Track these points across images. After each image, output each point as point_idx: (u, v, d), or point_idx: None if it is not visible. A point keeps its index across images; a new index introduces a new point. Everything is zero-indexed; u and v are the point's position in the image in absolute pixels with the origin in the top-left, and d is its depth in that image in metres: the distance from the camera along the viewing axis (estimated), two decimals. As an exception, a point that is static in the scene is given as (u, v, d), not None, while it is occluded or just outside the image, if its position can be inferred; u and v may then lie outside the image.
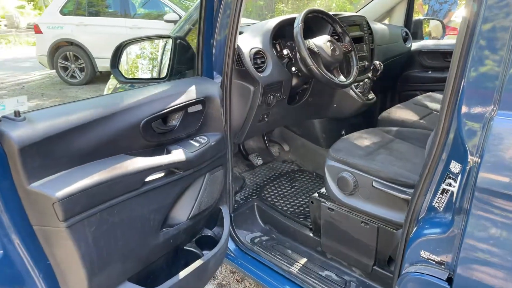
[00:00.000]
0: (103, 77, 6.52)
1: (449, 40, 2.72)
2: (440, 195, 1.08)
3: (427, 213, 1.12)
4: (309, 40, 1.70)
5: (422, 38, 2.85)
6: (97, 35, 6.03)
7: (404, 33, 2.67)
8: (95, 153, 1.00)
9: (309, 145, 2.34)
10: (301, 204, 1.99)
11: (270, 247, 1.78)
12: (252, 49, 1.64)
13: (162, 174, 1.19)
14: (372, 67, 2.00)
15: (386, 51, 2.44)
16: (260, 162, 2.20)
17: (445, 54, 2.61)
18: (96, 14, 6.31)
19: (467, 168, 0.93)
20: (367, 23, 2.24)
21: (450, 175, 1.04)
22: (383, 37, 2.40)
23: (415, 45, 2.71)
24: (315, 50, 1.66)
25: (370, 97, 2.07)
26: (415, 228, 1.14)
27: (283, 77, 1.74)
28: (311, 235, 1.76)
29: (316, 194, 1.69)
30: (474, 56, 0.92)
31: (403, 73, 2.78)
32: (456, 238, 0.98)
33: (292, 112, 1.97)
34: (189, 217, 1.37)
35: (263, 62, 1.67)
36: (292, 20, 1.81)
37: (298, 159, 2.39)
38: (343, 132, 2.37)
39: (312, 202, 1.70)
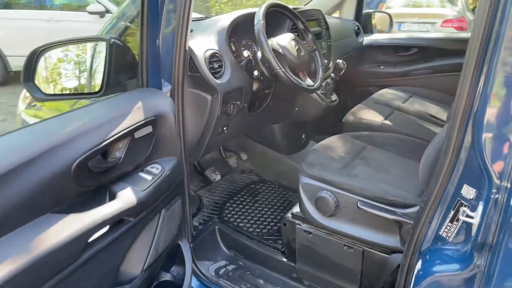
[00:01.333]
0: (17, 77, 5.69)
1: (400, 34, 2.67)
2: (449, 223, 0.93)
3: (432, 243, 0.97)
4: (272, 39, 1.48)
5: (372, 32, 2.77)
6: (9, 30, 5.21)
7: (356, 27, 2.56)
8: (4, 223, 0.68)
9: (269, 152, 2.13)
10: (267, 222, 1.78)
11: (238, 278, 1.55)
12: (206, 51, 1.37)
13: (107, 228, 0.89)
14: (334, 66, 1.84)
15: (342, 47, 2.31)
16: (218, 177, 1.94)
17: (397, 48, 2.56)
18: (6, 6, 5.46)
19: (492, 196, 0.79)
20: (324, 17, 2.07)
21: (463, 201, 0.89)
22: (337, 32, 2.25)
23: (366, 40, 2.62)
24: (280, 51, 1.44)
25: (333, 99, 1.92)
26: (420, 262, 0.98)
27: (243, 83, 1.49)
28: (285, 260, 1.56)
29: (289, 215, 1.49)
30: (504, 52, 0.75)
31: (356, 68, 2.68)
32: (477, 279, 0.84)
33: (252, 120, 1.74)
34: (144, 268, 1.09)
35: (220, 67, 1.41)
36: (250, 16, 1.57)
37: (258, 168, 2.18)
38: (303, 136, 2.20)
39: (284, 224, 1.50)
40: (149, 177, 1.06)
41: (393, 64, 2.59)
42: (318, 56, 1.63)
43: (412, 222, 1.15)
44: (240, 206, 1.87)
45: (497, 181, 0.76)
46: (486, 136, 0.78)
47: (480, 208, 0.82)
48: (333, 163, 1.42)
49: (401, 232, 1.20)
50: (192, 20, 1.65)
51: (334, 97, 1.93)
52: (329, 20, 2.20)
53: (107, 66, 1.21)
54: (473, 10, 7.71)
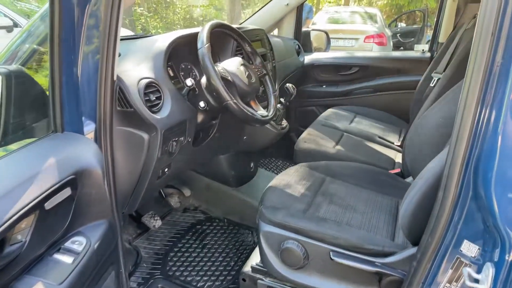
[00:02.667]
0: None
1: (340, 53, 2.64)
2: (448, 284, 0.80)
3: None
4: (218, 64, 1.27)
5: (311, 50, 2.71)
6: None
7: (297, 46, 2.47)
8: None
9: (215, 185, 1.91)
10: (220, 272, 1.54)
11: None
12: (141, 80, 1.12)
13: None
14: (284, 91, 1.68)
15: (285, 68, 2.19)
16: (158, 223, 1.66)
17: (338, 68, 2.51)
18: None
19: (508, 258, 0.66)
20: (267, 37, 1.93)
21: (463, 260, 0.77)
22: (280, 52, 2.13)
23: (307, 59, 2.55)
24: (229, 78, 1.24)
25: (283, 125, 1.76)
26: None
27: (186, 115, 1.26)
28: (245, 319, 1.35)
29: (248, 269, 1.28)
30: None
31: (298, 88, 2.58)
32: None
33: (197, 154, 1.51)
34: None
35: (158, 98, 1.16)
36: (190, 37, 1.35)
37: (203, 204, 1.93)
38: (252, 165, 2.01)
39: (244, 280, 1.29)
40: (69, 260, 0.77)
41: (335, 83, 2.54)
42: (268, 82, 1.46)
43: (394, 274, 1.02)
44: (187, 254, 1.61)
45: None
46: (496, 189, 0.66)
47: (490, 270, 0.69)
48: (296, 203, 1.24)
49: (381, 285, 1.06)
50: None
51: (284, 123, 1.78)
52: (272, 39, 2.07)
53: (4, 106, 0.89)
54: (389, 26, 8.35)
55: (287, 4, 2.34)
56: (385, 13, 13.02)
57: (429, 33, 10.30)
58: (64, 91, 0.90)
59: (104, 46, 1.00)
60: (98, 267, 0.89)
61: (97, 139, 1.05)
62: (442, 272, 0.79)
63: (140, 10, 9.85)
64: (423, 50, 2.42)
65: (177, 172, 1.44)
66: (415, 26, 9.76)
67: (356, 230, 1.13)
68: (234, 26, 1.51)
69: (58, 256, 0.77)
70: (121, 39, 1.39)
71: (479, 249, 0.74)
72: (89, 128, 1.05)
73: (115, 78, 1.05)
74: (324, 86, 2.56)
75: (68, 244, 0.81)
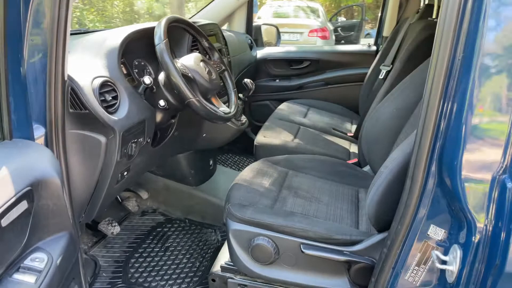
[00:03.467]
0: None
1: (292, 47, 2.68)
2: (416, 267, 0.84)
3: None
4: (177, 60, 1.22)
5: (262, 45, 2.72)
6: None
7: (249, 40, 2.46)
8: None
9: (174, 185, 1.85)
10: (185, 274, 1.51)
11: None
12: (95, 79, 1.04)
13: None
14: (243, 86, 1.66)
15: (239, 63, 2.17)
16: (116, 230, 1.57)
17: (290, 62, 2.55)
18: None
19: (474, 240, 0.71)
20: (222, 32, 1.90)
21: (430, 243, 0.82)
22: (234, 47, 2.11)
23: (260, 53, 2.55)
24: (190, 75, 1.19)
25: (243, 121, 1.74)
26: None
27: (145, 115, 1.20)
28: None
29: (217, 269, 1.26)
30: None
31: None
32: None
33: (156, 154, 1.45)
34: None
35: (115, 98, 1.09)
36: (144, 33, 1.29)
37: (162, 205, 1.87)
38: (211, 163, 1.98)
39: (213, 280, 1.27)
40: (31, 279, 0.70)
41: (287, 78, 2.58)
42: (228, 78, 1.44)
43: (362, 261, 1.06)
44: (149, 259, 1.55)
45: (478, 224, 0.69)
46: (464, 175, 0.70)
47: (457, 252, 0.74)
48: (263, 199, 1.24)
49: (350, 273, 1.10)
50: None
51: (243, 118, 1.76)
52: (225, 33, 2.04)
53: None
54: (330, 20, 8.65)
55: (238, -2, 2.32)
56: (325, 7, 13.45)
57: (367, 27, 10.83)
58: (11, 94, 0.81)
59: (52, 44, 0.92)
60: (61, 284, 0.82)
61: (48, 145, 0.97)
62: (411, 256, 0.84)
63: (75, 3, 9.21)
64: (369, 44, 2.54)
65: (136, 175, 1.38)
66: (354, 20, 10.19)
67: (324, 221, 1.15)
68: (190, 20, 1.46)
69: (18, 277, 0.70)
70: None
71: (445, 232, 0.79)
72: (39, 133, 0.97)
73: (66, 77, 0.97)
74: (277, 80, 2.58)
75: (28, 262, 0.73)
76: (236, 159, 2.44)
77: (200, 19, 1.86)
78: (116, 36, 1.19)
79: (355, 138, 1.99)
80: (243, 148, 2.47)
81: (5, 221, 0.66)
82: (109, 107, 1.07)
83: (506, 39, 0.64)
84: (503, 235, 0.65)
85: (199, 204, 1.84)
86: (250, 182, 1.34)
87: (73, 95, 0.99)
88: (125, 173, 1.23)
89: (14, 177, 0.70)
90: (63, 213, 0.85)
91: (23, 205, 0.72)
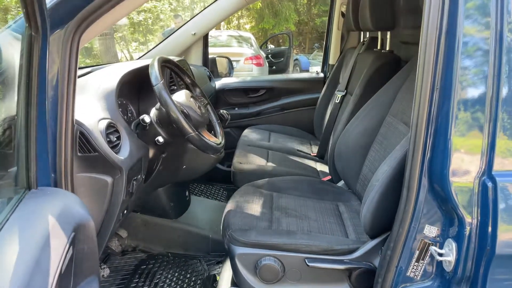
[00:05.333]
0: None
1: (247, 77, 2.83)
2: (416, 263, 0.99)
3: (401, 286, 1.02)
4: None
5: (218, 76, 2.84)
6: None
7: (208, 72, 2.57)
8: None
9: (153, 220, 1.84)
10: (182, 306, 1.51)
11: None
12: (100, 121, 1.06)
13: None
14: (220, 117, 1.75)
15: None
16: (106, 272, 1.51)
17: (247, 91, 2.70)
18: None
19: (465, 232, 0.88)
20: (189, 66, 1.98)
21: (427, 241, 0.97)
22: (197, 80, 2.19)
23: (217, 84, 2.66)
24: (184, 111, 1.26)
25: (221, 151, 1.82)
26: None
27: (142, 152, 1.23)
28: None
29: None
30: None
31: (211, 112, 2.67)
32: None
33: (144, 190, 1.46)
34: None
35: (118, 138, 1.12)
36: (139, 71, 1.33)
37: (141, 242, 1.84)
38: (186, 194, 2.00)
39: None
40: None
41: (246, 105, 2.71)
42: (211, 111, 1.52)
43: (361, 267, 1.19)
44: (141, 298, 1.52)
45: (468, 219, 0.86)
46: (453, 181, 0.87)
47: (452, 245, 0.90)
48: (260, 222, 1.33)
49: (351, 279, 1.22)
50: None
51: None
52: (188, 68, 2.12)
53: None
54: (260, 47, 9.10)
55: (194, 33, 2.43)
56: (254, 35, 14.14)
57: (295, 53, 11.57)
58: (38, 141, 0.81)
59: (63, 93, 0.94)
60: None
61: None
62: (411, 254, 0.99)
63: None
64: (317, 71, 2.80)
65: (129, 212, 1.37)
66: (282, 47, 10.83)
67: (321, 235, 1.27)
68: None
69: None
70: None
71: (438, 229, 0.95)
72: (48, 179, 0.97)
73: (74, 122, 0.99)
74: (236, 109, 2.70)
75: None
76: (202, 187, 2.48)
77: (170, 56, 1.93)
78: (112, 77, 1.22)
79: (319, 158, 2.17)
80: (210, 176, 2.52)
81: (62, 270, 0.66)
82: (114, 148, 1.09)
83: (476, 70, 0.84)
84: (490, 223, 0.83)
85: (181, 236, 1.84)
86: (242, 208, 1.42)
87: (81, 138, 1.00)
88: (125, 211, 1.23)
89: (61, 224, 0.71)
90: (94, 256, 0.86)
91: (70, 252, 0.73)
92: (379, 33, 1.93)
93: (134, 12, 11.21)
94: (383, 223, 1.12)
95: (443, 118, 0.87)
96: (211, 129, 1.53)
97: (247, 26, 16.28)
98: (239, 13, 16.59)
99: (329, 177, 1.82)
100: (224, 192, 2.40)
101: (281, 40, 14.79)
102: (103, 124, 1.06)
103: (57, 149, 0.96)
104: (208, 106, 1.52)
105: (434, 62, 0.86)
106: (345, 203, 1.56)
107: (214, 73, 2.78)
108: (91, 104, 1.11)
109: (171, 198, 1.82)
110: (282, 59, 8.91)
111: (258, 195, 1.53)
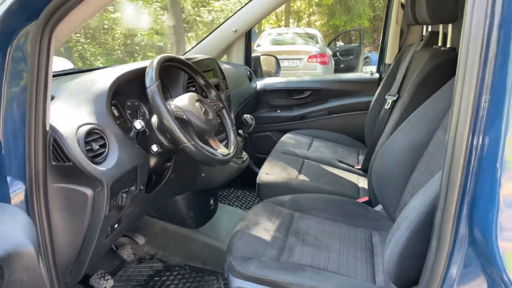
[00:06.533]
0: None
1: (292, 77, 2.61)
2: None
3: None
4: (170, 102, 1.14)
5: (262, 75, 2.66)
6: None
7: (248, 72, 2.41)
8: None
9: (173, 229, 1.74)
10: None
11: None
12: (80, 127, 0.96)
13: None
14: (242, 122, 1.58)
15: (239, 95, 2.10)
16: (109, 284, 1.44)
17: (291, 92, 2.48)
18: None
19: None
20: (219, 66, 1.83)
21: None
22: (233, 80, 2.04)
23: (259, 84, 2.49)
24: (184, 117, 1.11)
25: (244, 158, 1.65)
26: None
27: (137, 161, 1.11)
28: None
29: None
30: None
31: (252, 114, 2.51)
32: None
33: (151, 200, 1.35)
34: None
35: (103, 146, 1.00)
36: (135, 73, 1.22)
37: (160, 250, 1.75)
38: (211, 202, 1.87)
39: None
40: None
41: (289, 108, 2.50)
42: (226, 116, 1.36)
43: None
44: (146, 315, 1.42)
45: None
46: (500, 233, 0.60)
47: None
48: (267, 249, 1.13)
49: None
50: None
51: (244, 155, 1.67)
52: (223, 67, 1.98)
53: None
54: (328, 45, 8.72)
55: (236, 30, 2.28)
56: (323, 33, 13.66)
57: (365, 50, 10.93)
58: None
59: (32, 92, 0.85)
60: None
61: (28, 202, 0.88)
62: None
63: (76, 36, 9.37)
64: (371, 72, 2.48)
65: (129, 225, 1.27)
66: (352, 44, 10.28)
67: (336, 276, 1.03)
68: (184, 57, 1.40)
69: None
70: (53, 76, 1.21)
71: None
72: (18, 189, 0.88)
73: (47, 128, 0.89)
74: (279, 111, 2.51)
75: None
76: (239, 194, 2.33)
77: (196, 55, 1.81)
78: (105, 79, 1.12)
79: (364, 171, 1.88)
80: (245, 182, 2.37)
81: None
82: (96, 157, 0.98)
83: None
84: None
85: (200, 248, 1.71)
86: (253, 229, 1.23)
87: (55, 146, 0.91)
88: (116, 225, 1.13)
89: (-24, 254, 0.60)
90: (40, 285, 0.74)
91: (-13, 287, 0.62)
92: (441, 26, 1.58)
93: (205, 11, 11.52)
94: (411, 275, 0.86)
95: (492, 144, 0.60)
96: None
97: (318, 23, 15.82)
98: (310, 10, 16.21)
99: (366, 198, 1.54)
100: (258, 201, 2.23)
101: (353, 37, 14.08)
102: (83, 130, 0.95)
103: (27, 157, 0.87)
104: (223, 111, 1.35)
105: (481, 66, 0.59)
106: (381, 232, 1.29)
107: (258, 72, 2.61)
108: (76, 107, 1.01)
109: (190, 207, 1.70)
110: (351, 56, 8.45)
111: (276, 214, 1.34)
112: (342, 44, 10.53)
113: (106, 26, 9.29)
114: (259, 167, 2.39)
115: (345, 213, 1.38)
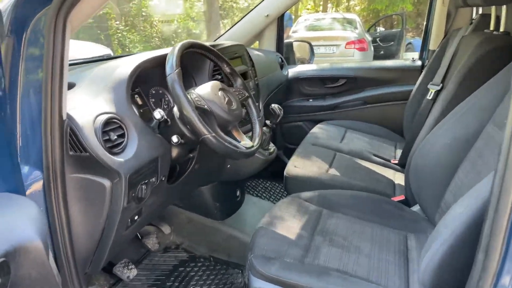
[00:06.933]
0: None
1: (326, 64, 2.49)
2: None
3: None
4: (192, 91, 1.09)
5: (294, 62, 2.56)
6: None
7: (280, 59, 2.31)
8: None
9: (198, 219, 1.71)
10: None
11: None
12: (98, 116, 0.93)
13: None
14: (270, 112, 1.50)
15: (268, 84, 2.02)
16: (133, 273, 1.44)
17: (324, 80, 2.36)
18: None
19: None
20: (248, 53, 1.76)
21: None
22: (263, 68, 1.96)
23: (291, 72, 2.39)
24: (206, 107, 1.05)
25: (271, 150, 1.58)
26: None
27: (158, 152, 1.07)
28: None
29: None
30: None
31: (283, 103, 2.42)
32: None
33: (174, 191, 1.32)
34: None
35: (121, 136, 0.97)
36: (159, 60, 1.17)
37: (186, 240, 1.73)
38: (238, 193, 1.82)
39: None
40: None
41: (321, 97, 2.39)
42: (252, 106, 1.28)
43: None
44: (169, 305, 1.40)
45: None
46: None
47: None
48: (291, 249, 1.06)
49: None
50: (72, 65, 1.19)
51: (272, 147, 1.60)
52: (252, 54, 1.90)
53: None
54: (368, 31, 8.35)
55: (267, 15, 2.19)
56: (362, 17, 13.11)
57: (408, 36, 10.37)
58: None
59: (47, 80, 0.82)
60: None
61: (45, 192, 0.86)
62: None
63: (116, 24, 9.60)
64: (413, 58, 2.30)
65: (151, 217, 1.25)
66: (394, 30, 9.79)
67: (365, 283, 0.95)
68: (210, 44, 1.33)
69: None
70: (76, 64, 1.19)
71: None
72: (36, 179, 0.87)
73: (64, 117, 0.87)
74: (311, 100, 2.40)
75: None
76: (268, 185, 2.27)
77: (225, 41, 1.73)
78: (125, 67, 1.08)
79: (401, 166, 1.75)
80: (274, 173, 2.30)
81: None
82: (115, 147, 0.95)
83: None
84: None
85: (225, 240, 1.68)
86: (277, 226, 1.17)
87: (72, 136, 0.88)
88: (136, 217, 1.10)
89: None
90: (49, 282, 0.72)
91: (-8, 282, 0.60)
92: (493, 8, 1.40)
93: (241, -3, 11.37)
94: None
95: None
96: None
97: (358, 8, 15.21)
98: (350, -6, 15.59)
99: (402, 197, 1.42)
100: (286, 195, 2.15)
101: (395, 22, 13.39)
102: (101, 119, 0.92)
103: (43, 146, 0.85)
104: (249, 100, 1.28)
105: None
106: (418, 235, 1.18)
107: (290, 59, 2.50)
108: (95, 96, 0.98)
109: (216, 198, 1.66)
110: (392, 43, 8.05)
111: (303, 211, 1.26)
112: (383, 29, 10.06)
113: (144, 14, 9.44)
114: (290, 158, 2.32)
115: (379, 212, 1.28)
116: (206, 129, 0.98)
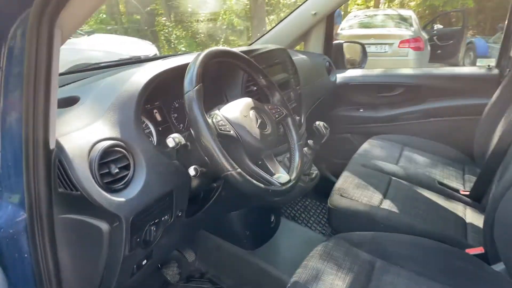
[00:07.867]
0: None
1: (381, 70, 2.17)
2: None
3: None
4: (217, 111, 0.87)
5: (344, 66, 2.27)
6: None
7: (327, 63, 2.04)
8: None
9: (227, 246, 1.51)
10: None
11: None
12: (97, 143, 0.74)
13: None
14: (314, 131, 1.25)
15: (313, 93, 1.77)
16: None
17: (378, 88, 2.06)
18: None
19: None
20: (290, 58, 1.52)
21: None
22: (307, 74, 1.71)
23: (340, 78, 2.11)
24: (231, 133, 0.83)
25: (313, 175, 1.33)
26: None
27: (174, 183, 0.87)
28: None
29: None
30: None
31: (329, 113, 2.16)
32: None
33: (195, 224, 1.12)
34: None
35: (126, 167, 0.78)
36: (180, 70, 0.96)
37: (211, 269, 1.53)
38: (272, 219, 1.60)
39: None
40: None
41: (374, 107, 2.09)
42: (291, 127, 1.04)
43: None
44: None
45: None
46: None
47: None
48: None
49: None
50: (77, 74, 1.02)
51: (314, 171, 1.35)
52: (295, 57, 1.65)
53: None
54: (424, 28, 7.74)
55: (315, 13, 1.93)
56: (418, 14, 12.27)
57: (469, 35, 9.52)
58: None
59: (29, 100, 0.64)
60: None
61: (29, 231, 0.70)
62: None
63: (163, 20, 9.69)
64: (488, 65, 1.93)
65: (164, 257, 1.06)
66: (453, 28, 9.02)
67: None
68: (246, 48, 1.11)
69: None
70: (78, 72, 1.01)
71: None
72: (20, 218, 0.70)
73: (52, 146, 0.68)
74: (361, 110, 2.11)
75: None
76: (307, 203, 2.02)
77: (264, 45, 1.50)
78: (139, 78, 0.88)
79: (472, 199, 1.43)
80: (316, 190, 2.05)
81: None
82: (115, 182, 0.75)
83: None
84: None
85: (255, 274, 1.46)
86: (316, 282, 0.93)
87: (60, 169, 0.70)
88: (144, 261, 0.91)
89: None
90: None
91: None
92: None
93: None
94: None
95: None
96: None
97: (413, 4, 14.29)
98: (404, -12, 14.69)
99: (481, 250, 1.11)
100: (327, 225, 1.88)
101: (454, 20, 12.40)
102: (99, 148, 0.73)
103: (25, 181, 0.68)
104: (288, 120, 1.04)
105: None
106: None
107: (339, 63, 2.22)
108: (97, 117, 0.79)
109: (246, 225, 1.44)
110: (451, 41, 7.41)
111: (350, 260, 1.01)
112: (441, 27, 9.27)
113: (189, 10, 9.44)
114: (334, 174, 2.05)
115: (448, 269, 1.00)
116: (229, 164, 0.76)
